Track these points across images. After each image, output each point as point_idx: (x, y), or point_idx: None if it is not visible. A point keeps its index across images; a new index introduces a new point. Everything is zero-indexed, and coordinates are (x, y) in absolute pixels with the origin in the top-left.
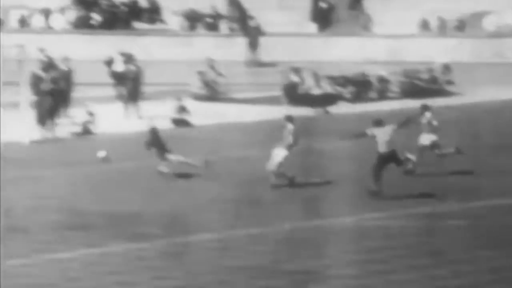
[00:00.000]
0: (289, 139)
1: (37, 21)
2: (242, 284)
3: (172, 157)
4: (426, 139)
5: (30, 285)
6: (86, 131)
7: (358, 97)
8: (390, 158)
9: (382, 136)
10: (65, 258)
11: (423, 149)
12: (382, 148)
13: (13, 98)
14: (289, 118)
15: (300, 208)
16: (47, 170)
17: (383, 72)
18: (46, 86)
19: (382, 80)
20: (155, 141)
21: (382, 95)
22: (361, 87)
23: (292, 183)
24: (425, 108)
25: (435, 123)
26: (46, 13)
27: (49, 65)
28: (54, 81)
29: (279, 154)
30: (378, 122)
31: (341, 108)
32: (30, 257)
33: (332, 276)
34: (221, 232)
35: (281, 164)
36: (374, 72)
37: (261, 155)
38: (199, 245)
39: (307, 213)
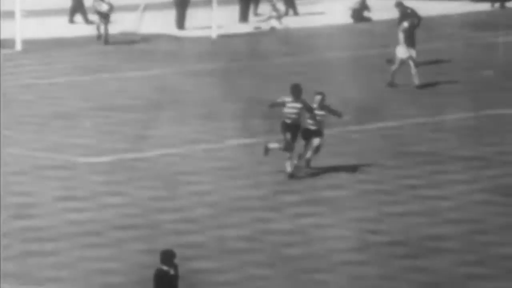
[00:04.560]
0: None
1: None
2: (415, 169)
3: None
4: None
5: (221, 168)
6: (271, 27)
7: None
8: None
9: None
10: (250, 143)
11: None
12: None
13: None
14: None
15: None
16: (232, 63)
17: None
18: None
19: None
20: None
21: None
22: None
23: None
24: None
25: None
26: None
27: None
28: None
29: None
30: None
31: None
32: (220, 142)
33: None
34: (397, 121)
35: None
36: None
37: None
38: (376, 132)
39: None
